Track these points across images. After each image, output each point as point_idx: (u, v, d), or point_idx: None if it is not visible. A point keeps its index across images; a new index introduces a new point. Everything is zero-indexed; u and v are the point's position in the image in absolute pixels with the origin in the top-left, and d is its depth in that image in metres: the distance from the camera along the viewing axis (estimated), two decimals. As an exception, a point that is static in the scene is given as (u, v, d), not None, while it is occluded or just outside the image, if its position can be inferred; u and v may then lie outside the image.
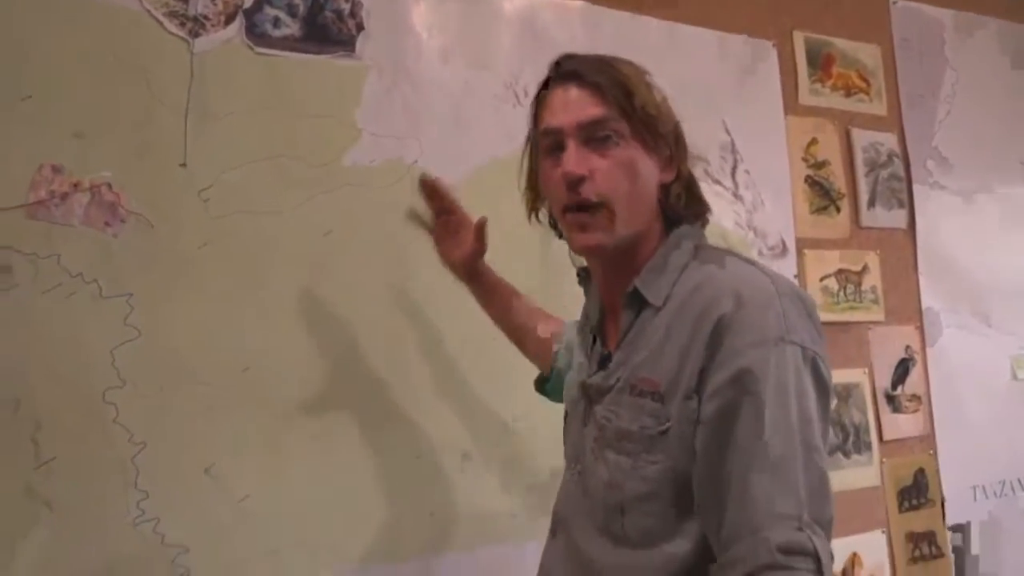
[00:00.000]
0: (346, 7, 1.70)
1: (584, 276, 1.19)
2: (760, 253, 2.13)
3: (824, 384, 0.92)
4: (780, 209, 2.19)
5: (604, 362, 1.05)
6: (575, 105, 1.01)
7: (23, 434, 1.36)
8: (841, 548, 2.12)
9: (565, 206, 1.01)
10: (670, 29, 2.09)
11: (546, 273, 1.81)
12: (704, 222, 1.12)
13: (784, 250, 2.17)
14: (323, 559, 1.55)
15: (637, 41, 2.03)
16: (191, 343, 1.49)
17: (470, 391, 1.74)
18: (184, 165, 1.51)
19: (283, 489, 1.53)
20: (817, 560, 0.83)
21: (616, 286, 1.05)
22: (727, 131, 2.14)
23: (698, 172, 2.00)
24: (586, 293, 1.20)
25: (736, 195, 2.12)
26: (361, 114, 1.69)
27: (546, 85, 1.08)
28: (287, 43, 1.63)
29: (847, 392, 2.21)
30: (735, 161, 2.13)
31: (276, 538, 1.52)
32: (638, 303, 1.01)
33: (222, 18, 1.59)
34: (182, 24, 1.55)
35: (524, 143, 1.15)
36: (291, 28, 1.64)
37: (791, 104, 2.26)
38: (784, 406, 0.87)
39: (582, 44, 1.92)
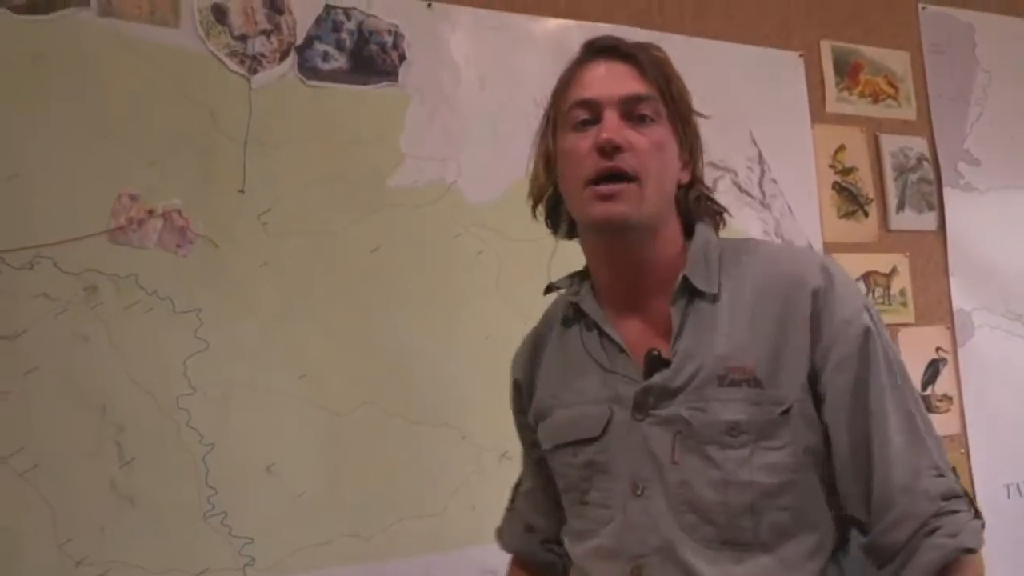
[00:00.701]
0: (389, 40, 1.85)
1: (573, 283, 1.09)
2: (788, 259, 2.23)
3: None
4: (807, 216, 2.28)
5: (657, 363, 0.96)
6: (616, 79, 0.98)
7: (108, 436, 1.55)
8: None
9: (597, 173, 0.95)
10: (696, 45, 2.21)
11: None
12: (723, 223, 1.11)
13: (812, 255, 2.26)
14: (374, 549, 1.71)
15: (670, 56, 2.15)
16: (253, 353, 1.66)
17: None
18: (242, 191, 1.68)
19: (337, 485, 1.70)
20: (969, 498, 0.91)
21: (638, 280, 1.00)
22: (754, 142, 2.24)
23: (725, 183, 2.16)
24: (576, 301, 1.06)
25: (763, 204, 2.22)
26: (404, 139, 1.84)
27: (576, 64, 1.05)
28: (336, 75, 1.79)
29: (876, 392, 2.29)
30: (762, 171, 2.24)
31: (331, 530, 1.68)
32: (686, 294, 0.97)
33: (277, 55, 1.75)
34: (242, 62, 1.72)
35: (543, 122, 1.10)
36: (339, 62, 1.80)
37: (818, 112, 2.36)
38: (896, 366, 0.94)
39: None
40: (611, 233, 0.98)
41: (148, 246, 1.61)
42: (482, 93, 1.94)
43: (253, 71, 1.73)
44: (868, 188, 2.40)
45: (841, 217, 2.34)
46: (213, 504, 1.59)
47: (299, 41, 1.77)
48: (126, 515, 1.54)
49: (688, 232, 1.04)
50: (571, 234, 1.10)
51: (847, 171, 2.38)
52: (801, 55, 2.36)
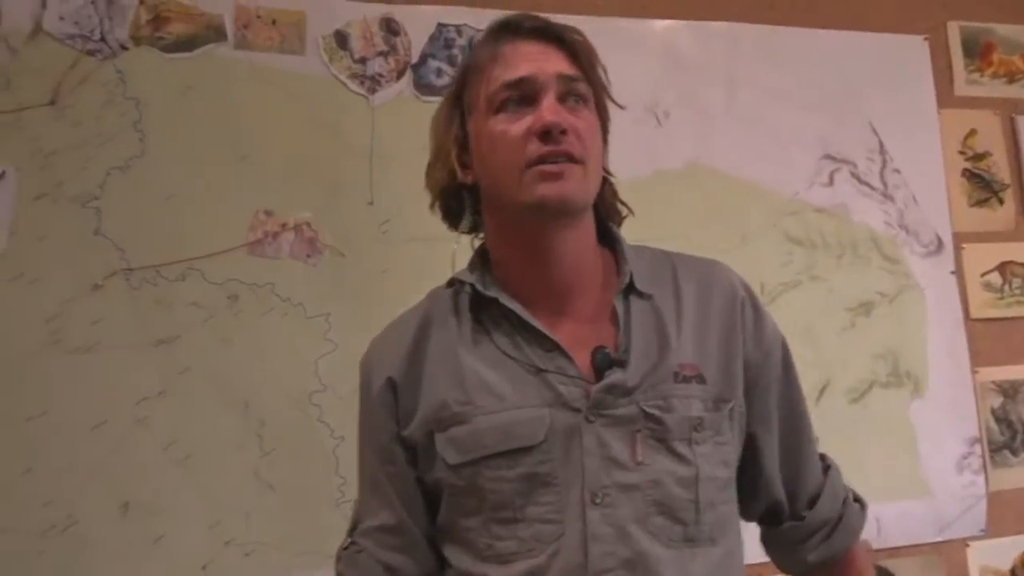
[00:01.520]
0: (498, 53, 1.95)
1: (478, 277, 0.99)
2: (912, 251, 2.18)
3: None
4: (934, 205, 2.22)
5: (607, 361, 0.91)
6: (549, 57, 0.92)
7: (251, 430, 1.73)
8: (1010, 547, 2.13)
9: (541, 157, 0.89)
10: (812, 36, 2.19)
11: None
12: (620, 223, 1.07)
13: (939, 247, 2.20)
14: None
15: (780, 53, 2.16)
16: (378, 353, 1.80)
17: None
18: (371, 203, 1.83)
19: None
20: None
21: (563, 276, 0.95)
22: (874, 132, 2.20)
23: (843, 175, 2.14)
24: (494, 296, 0.97)
25: (886, 195, 2.18)
26: (514, 146, 1.94)
27: (496, 43, 0.96)
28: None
29: (1015, 389, 2.21)
30: (884, 161, 2.20)
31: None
32: (625, 292, 0.96)
33: (394, 74, 1.89)
34: (362, 83, 1.87)
35: (449, 101, 1.00)
36: (451, 76, 1.92)
37: (945, 97, 2.29)
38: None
39: (722, 62, 2.10)
40: (552, 216, 0.91)
41: (282, 257, 1.79)
42: None
43: (372, 90, 1.87)
44: (1003, 173, 2.30)
45: (972, 205, 2.26)
46: (343, 492, 1.74)
47: (414, 60, 1.91)
48: (267, 501, 1.71)
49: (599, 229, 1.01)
50: (473, 228, 1.03)
51: (979, 156, 2.29)
52: (926, 38, 2.29)
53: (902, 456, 2.09)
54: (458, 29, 1.94)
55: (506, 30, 0.95)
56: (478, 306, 0.96)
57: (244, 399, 1.73)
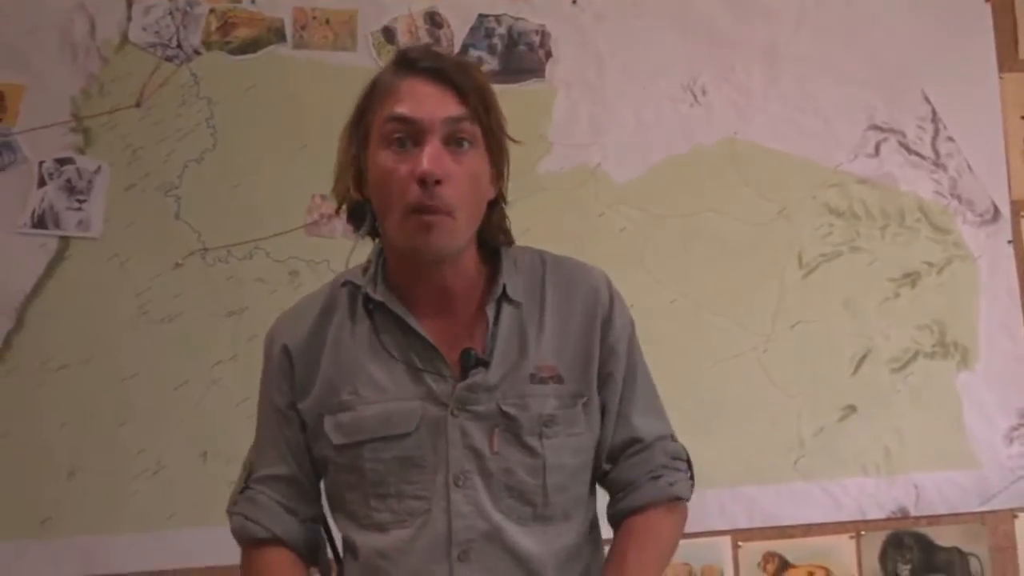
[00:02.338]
0: (536, 39, 2.09)
1: (368, 276, 1.11)
2: (965, 221, 2.17)
3: None
4: (992, 173, 2.19)
5: (473, 362, 1.03)
6: (437, 100, 1.00)
7: (310, 391, 1.96)
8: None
9: (414, 207, 0.99)
10: (859, 4, 2.19)
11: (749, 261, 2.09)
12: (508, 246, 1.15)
13: (996, 215, 2.18)
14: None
15: (825, 22, 2.18)
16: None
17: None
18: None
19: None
20: (689, 464, 1.16)
21: (442, 289, 1.06)
22: (927, 100, 2.19)
23: (890, 145, 2.16)
24: (380, 300, 1.08)
25: (937, 164, 2.18)
26: (552, 129, 2.08)
27: (393, 74, 1.04)
28: (489, 77, 2.04)
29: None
30: (936, 130, 2.19)
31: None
32: (498, 303, 1.07)
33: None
34: (407, 74, 2.05)
35: (351, 123, 1.10)
36: (491, 64, 2.07)
37: (1008, 61, 2.24)
38: (644, 363, 1.17)
39: (762, 37, 2.16)
40: (427, 260, 1.03)
41: (335, 236, 2.00)
42: (626, 80, 2.11)
43: (418, 81, 2.04)
44: (1071, 139, 2.25)
45: (1034, 172, 2.22)
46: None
47: (456, 50, 2.06)
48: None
49: (482, 247, 1.11)
50: (374, 233, 1.13)
51: (1044, 122, 2.24)
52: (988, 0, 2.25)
53: (946, 426, 2.11)
54: (497, 19, 2.08)
55: (404, 64, 1.04)
56: (370, 304, 1.08)
57: None
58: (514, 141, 1.10)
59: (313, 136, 2.01)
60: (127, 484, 1.91)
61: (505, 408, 1.04)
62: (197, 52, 2.01)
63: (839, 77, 2.16)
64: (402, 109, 1.00)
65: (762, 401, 2.07)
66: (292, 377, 1.11)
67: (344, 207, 1.11)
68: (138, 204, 1.97)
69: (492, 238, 1.12)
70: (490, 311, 1.06)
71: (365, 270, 1.11)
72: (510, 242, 1.15)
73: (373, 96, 1.06)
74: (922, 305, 2.14)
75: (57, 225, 1.95)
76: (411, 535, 1.03)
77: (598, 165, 2.09)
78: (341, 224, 1.97)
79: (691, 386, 2.05)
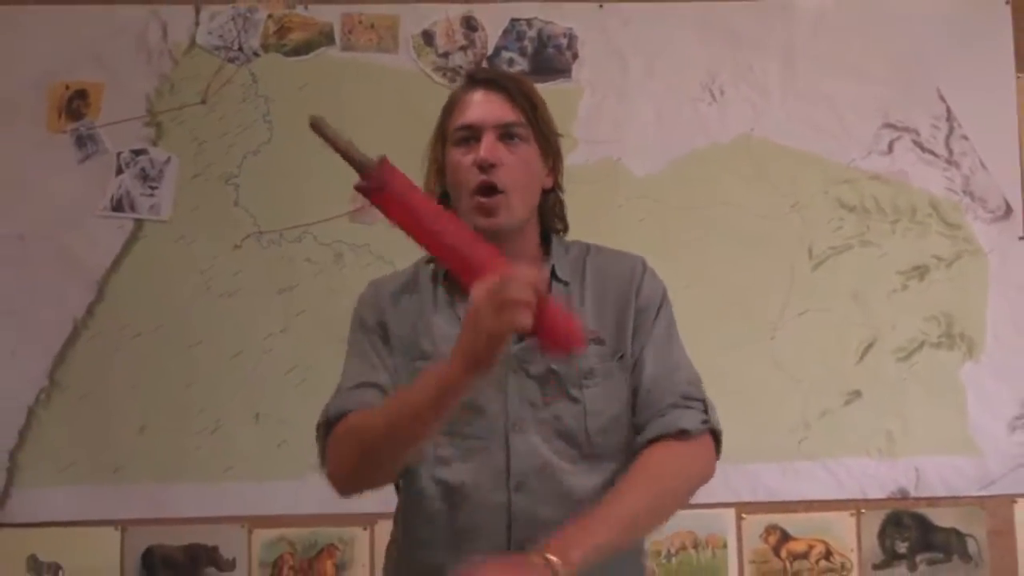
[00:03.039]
0: (564, 42, 2.27)
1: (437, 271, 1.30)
2: (976, 217, 2.27)
3: None
4: (1006, 171, 2.29)
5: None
6: (493, 106, 1.23)
7: (351, 362, 2.19)
8: (1065, 507, 2.23)
9: (474, 187, 1.21)
10: (878, 5, 2.31)
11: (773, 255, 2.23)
12: (565, 232, 1.35)
13: (1008, 212, 2.28)
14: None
15: (844, 22, 2.30)
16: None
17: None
18: (444, 178, 2.22)
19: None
20: (706, 404, 1.26)
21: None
22: (941, 98, 2.29)
23: (904, 143, 2.28)
24: (439, 282, 1.29)
25: (950, 162, 2.28)
26: (577, 126, 2.26)
27: (461, 91, 1.28)
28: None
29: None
30: (950, 128, 2.29)
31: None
32: (550, 280, 1.26)
33: (472, 66, 2.25)
34: (445, 75, 2.25)
35: (435, 135, 1.32)
36: (521, 65, 2.26)
37: (1025, 61, 2.32)
38: (674, 325, 1.32)
39: (780, 37, 2.30)
40: (490, 236, 1.19)
41: (376, 223, 2.21)
42: (648, 79, 2.27)
43: (453, 81, 2.24)
44: (1089, 138, 2.32)
45: (1049, 171, 2.30)
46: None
47: (489, 52, 2.26)
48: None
49: (543, 234, 1.31)
50: None
51: (1061, 121, 2.32)
52: (1008, 1, 2.33)
53: (949, 414, 2.23)
54: (528, 23, 2.27)
55: (468, 80, 1.30)
56: (446, 279, 1.30)
57: (346, 337, 2.19)
58: (559, 135, 1.30)
59: (359, 130, 2.13)
60: (190, 439, 2.17)
61: (554, 366, 1.22)
62: (256, 54, 2.25)
63: (855, 76, 2.28)
64: (465, 118, 1.25)
65: (769, 384, 2.21)
66: (386, 315, 1.30)
67: None
68: (202, 191, 2.22)
69: (548, 224, 1.32)
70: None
71: None
72: (565, 227, 1.35)
73: (447, 108, 1.30)
74: (930, 297, 2.25)
75: (132, 209, 2.21)
76: (474, 468, 1.21)
77: (619, 159, 2.25)
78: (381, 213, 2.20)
79: (701, 368, 2.11)
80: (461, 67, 2.26)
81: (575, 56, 2.27)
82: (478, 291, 1.03)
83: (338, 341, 2.13)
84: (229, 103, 2.24)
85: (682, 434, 1.19)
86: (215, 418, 2.18)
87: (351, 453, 1.18)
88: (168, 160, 2.23)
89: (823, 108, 2.28)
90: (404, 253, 2.16)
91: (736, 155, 2.27)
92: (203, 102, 2.24)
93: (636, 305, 1.27)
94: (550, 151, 1.29)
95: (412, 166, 2.19)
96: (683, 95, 2.28)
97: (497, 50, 2.27)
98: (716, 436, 1.25)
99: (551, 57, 2.27)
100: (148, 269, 2.20)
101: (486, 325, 1.01)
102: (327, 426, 1.24)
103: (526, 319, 1.00)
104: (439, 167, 1.30)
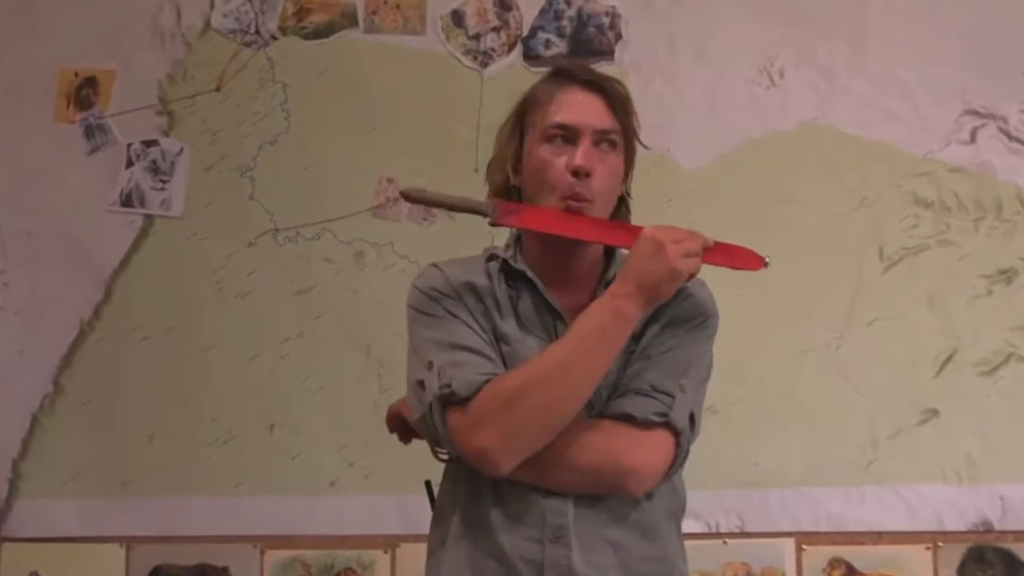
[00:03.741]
0: (606, 21, 2.10)
1: (512, 254, 1.27)
2: (1069, 208, 2.05)
3: None
4: (1109, 162, 2.06)
5: None
6: (593, 110, 1.21)
7: (372, 370, 2.06)
8: None
9: (567, 194, 1.19)
10: (961, -19, 2.10)
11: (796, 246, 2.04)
12: None
13: (1110, 209, 2.05)
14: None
15: (920, 4, 2.11)
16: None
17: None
18: (476, 170, 2.07)
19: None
20: (675, 399, 1.17)
21: (570, 268, 1.23)
22: (1032, 81, 2.08)
23: (989, 131, 2.06)
24: (514, 278, 1.25)
25: (1042, 150, 2.06)
26: (620, 112, 2.09)
27: (556, 84, 1.24)
28: (557, 60, 2.08)
29: None
30: (1043, 114, 2.07)
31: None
32: (607, 286, 1.21)
33: (505, 48, 2.11)
34: (475, 58, 2.11)
35: (512, 121, 1.28)
36: (559, 47, 2.10)
37: None
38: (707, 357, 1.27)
39: (850, 19, 2.12)
40: (562, 240, 1.21)
41: (401, 219, 2.09)
42: (699, 62, 2.10)
43: (485, 65, 2.10)
44: None
45: None
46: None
47: (524, 33, 2.11)
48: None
49: None
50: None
51: None
52: (1109, -30, 2.10)
53: (1039, 436, 2.01)
54: (567, 0, 2.11)
55: (565, 76, 1.25)
56: (509, 275, 1.26)
57: (367, 343, 2.06)
58: (644, 146, 1.29)
59: (382, 119, 2.11)
60: (201, 450, 2.06)
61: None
62: (274, 37, 2.14)
63: (932, 57, 2.08)
64: (563, 117, 1.21)
65: (834, 400, 2.02)
66: (462, 294, 1.23)
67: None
68: (216, 185, 2.12)
69: None
70: (599, 292, 1.22)
71: (506, 249, 1.29)
72: None
73: (534, 99, 1.26)
74: (1018, 304, 2.03)
75: (142, 204, 2.12)
76: None
77: (667, 151, 2.08)
78: (406, 207, 2.07)
79: (758, 381, 2.03)
80: (493, 49, 2.11)
81: (618, 37, 2.11)
82: (660, 232, 1.13)
83: (358, 347, 2.11)
84: (245, 90, 2.14)
85: (629, 420, 1.14)
86: (227, 428, 2.07)
87: (525, 413, 1.11)
88: (180, 151, 2.13)
89: (896, 92, 2.08)
90: (431, 252, 2.06)
91: (798, 145, 2.09)
92: (217, 89, 2.14)
93: (669, 315, 1.22)
94: (631, 161, 1.28)
95: (441, 155, 2.11)
96: (738, 79, 2.10)
97: (533, 31, 2.11)
98: (677, 436, 1.16)
99: (592, 38, 2.11)
100: (158, 268, 2.12)
101: (670, 263, 1.10)
102: (458, 402, 1.13)
103: (697, 266, 1.14)
104: (516, 159, 1.27)
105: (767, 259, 1.21)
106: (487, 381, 1.12)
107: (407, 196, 1.22)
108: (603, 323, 1.11)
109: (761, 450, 2.01)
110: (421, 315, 1.23)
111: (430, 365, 1.16)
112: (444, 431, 1.13)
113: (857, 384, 2.03)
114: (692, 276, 1.13)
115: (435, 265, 1.29)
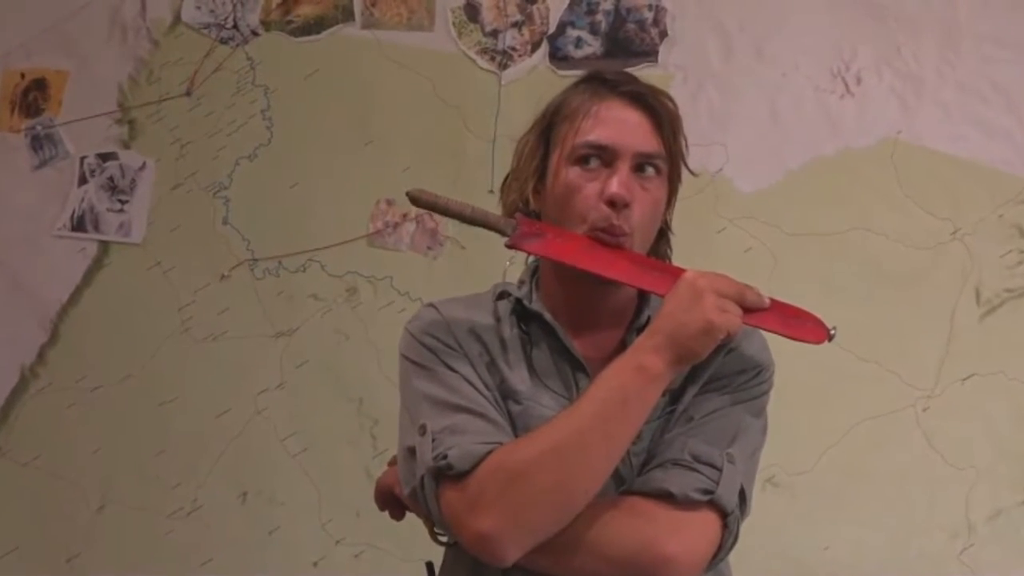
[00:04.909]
0: (649, 16, 1.84)
1: (525, 291, 1.15)
2: None
3: None
4: None
5: None
6: (636, 131, 1.07)
7: (364, 428, 1.82)
8: None
9: (600, 226, 1.06)
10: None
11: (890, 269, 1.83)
12: None
13: None
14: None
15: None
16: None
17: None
18: (492, 191, 1.81)
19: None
20: (723, 473, 1.04)
21: (596, 309, 1.11)
22: None
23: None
24: (538, 312, 1.13)
25: None
26: (664, 124, 1.83)
27: (591, 94, 1.10)
28: (589, 62, 1.83)
29: None
30: None
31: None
32: (639, 332, 1.08)
33: (528, 47, 1.85)
34: (492, 59, 1.85)
35: (536, 133, 1.13)
36: (592, 46, 1.84)
37: None
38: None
39: (938, 9, 1.86)
40: (595, 278, 1.08)
41: (402, 248, 1.84)
42: (759, 65, 1.86)
43: (503, 66, 1.85)
44: None
45: None
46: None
47: (551, 30, 1.85)
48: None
49: None
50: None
51: None
52: None
53: None
54: (603, -9, 1.86)
55: (604, 85, 1.09)
56: (522, 316, 1.12)
57: (359, 395, 1.82)
58: (692, 173, 1.15)
59: (380, 130, 1.89)
60: (160, 523, 1.85)
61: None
62: (255, 33, 1.93)
63: (1039, 61, 1.84)
64: (600, 137, 1.06)
65: (920, 472, 1.80)
66: (461, 342, 1.11)
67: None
68: (184, 206, 1.91)
69: None
70: (629, 339, 1.09)
71: (520, 285, 1.15)
72: None
73: (564, 111, 1.11)
74: None
75: (97, 228, 1.91)
76: None
77: (720, 170, 1.85)
78: (408, 234, 1.85)
79: (828, 448, 1.80)
80: (514, 48, 1.85)
81: (663, 35, 1.86)
82: (703, 278, 0.99)
83: (348, 401, 1.82)
84: (220, 95, 1.93)
85: (667, 498, 0.99)
86: (191, 496, 1.86)
87: (534, 493, 0.98)
88: (143, 167, 1.92)
89: (996, 104, 1.84)
90: (436, 288, 1.80)
91: (877, 164, 1.85)
92: (188, 94, 1.93)
93: (715, 369, 1.08)
94: (676, 189, 1.14)
95: (450, 173, 1.81)
96: (806, 85, 1.86)
97: (561, 27, 1.86)
98: (725, 516, 1.01)
99: (631, 36, 1.86)
100: (114, 304, 1.92)
101: (706, 314, 0.97)
102: (455, 477, 1.00)
103: (739, 325, 0.99)
104: (538, 179, 1.12)
105: (832, 330, 1.03)
106: (490, 452, 0.99)
107: (414, 199, 1.07)
108: (625, 385, 0.98)
109: (831, 533, 1.80)
110: (414, 366, 1.09)
111: (423, 430, 1.03)
112: (438, 511, 0.99)
113: (948, 454, 1.82)
114: (732, 335, 0.99)
115: (432, 305, 1.14)
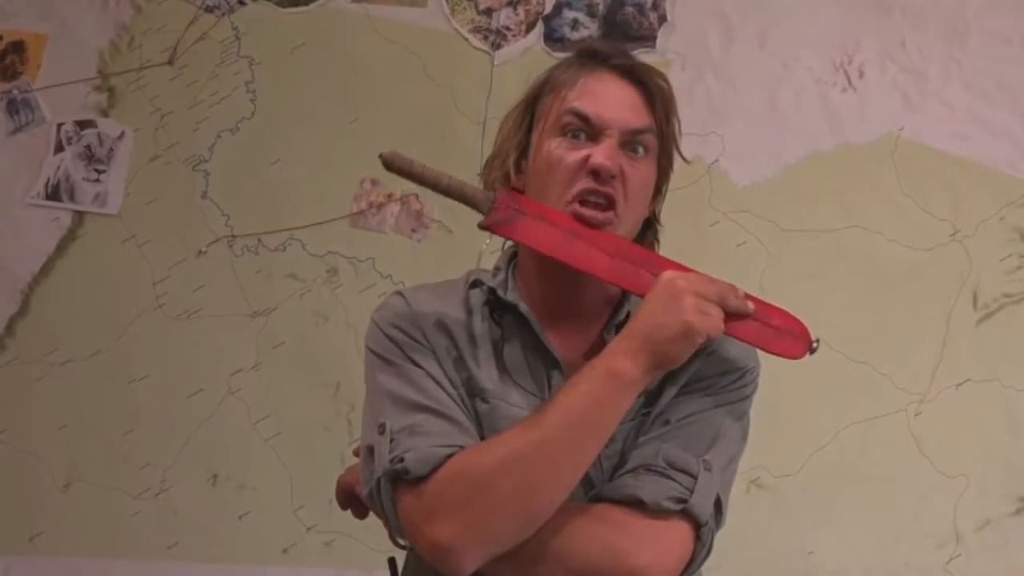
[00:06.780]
0: (648, 0, 1.85)
1: (500, 280, 1.10)
2: None
3: None
4: None
5: None
6: (627, 104, 1.05)
7: (341, 414, 1.82)
8: None
9: (584, 192, 1.02)
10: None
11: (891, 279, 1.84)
12: None
13: None
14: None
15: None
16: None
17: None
18: (480, 175, 1.82)
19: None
20: (697, 480, 1.02)
21: (577, 300, 1.07)
22: None
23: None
24: (514, 303, 1.08)
25: None
26: (661, 113, 1.85)
27: (579, 66, 1.07)
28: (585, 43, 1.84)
29: None
30: None
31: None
32: (618, 328, 1.05)
33: (523, 27, 1.86)
34: (485, 38, 1.87)
35: (521, 107, 1.11)
36: (589, 29, 1.86)
37: None
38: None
39: (947, 8, 1.91)
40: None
41: (385, 230, 1.85)
42: (760, 54, 1.87)
43: (497, 46, 1.86)
44: None
45: None
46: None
47: (547, 10, 1.87)
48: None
49: None
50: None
51: None
52: None
53: None
54: (602, -28, 1.87)
55: (594, 57, 1.07)
56: (496, 307, 1.08)
57: (336, 380, 1.83)
58: (684, 160, 1.13)
59: (368, 108, 1.89)
60: (127, 503, 1.85)
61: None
62: (241, 2, 1.95)
63: (1048, 59, 1.84)
64: (585, 106, 1.03)
65: (909, 479, 1.81)
66: (428, 335, 1.07)
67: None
68: (162, 178, 1.91)
69: None
70: (607, 336, 1.06)
71: (496, 272, 1.11)
72: None
73: (552, 83, 1.08)
74: None
75: (72, 197, 1.91)
76: None
77: (715, 161, 1.86)
78: (393, 216, 1.85)
79: (816, 450, 1.81)
80: (508, 28, 1.86)
81: (661, 19, 1.87)
82: (682, 279, 0.97)
83: (325, 385, 1.83)
84: (203, 65, 1.94)
85: (637, 506, 0.96)
86: (160, 477, 1.86)
87: (494, 502, 0.94)
88: (121, 135, 1.93)
89: (1001, 102, 1.86)
90: (420, 272, 1.82)
91: (877, 161, 1.87)
92: (170, 62, 1.94)
93: (694, 370, 1.05)
94: (665, 174, 1.11)
95: (438, 154, 1.82)
96: (807, 77, 1.87)
97: (557, 8, 1.88)
98: (698, 527, 0.98)
99: (629, 20, 1.87)
100: (87, 277, 1.91)
101: (683, 315, 0.94)
102: (412, 482, 0.96)
103: (719, 328, 0.97)
104: (520, 154, 1.10)
105: (815, 343, 1.02)
106: (450, 455, 0.95)
107: (387, 162, 1.05)
108: (596, 391, 0.94)
109: (817, 538, 1.81)
110: (378, 360, 1.06)
111: (382, 428, 1.00)
112: (395, 517, 0.96)
113: (939, 460, 1.82)
114: (711, 339, 0.97)
115: (400, 293, 1.10)
